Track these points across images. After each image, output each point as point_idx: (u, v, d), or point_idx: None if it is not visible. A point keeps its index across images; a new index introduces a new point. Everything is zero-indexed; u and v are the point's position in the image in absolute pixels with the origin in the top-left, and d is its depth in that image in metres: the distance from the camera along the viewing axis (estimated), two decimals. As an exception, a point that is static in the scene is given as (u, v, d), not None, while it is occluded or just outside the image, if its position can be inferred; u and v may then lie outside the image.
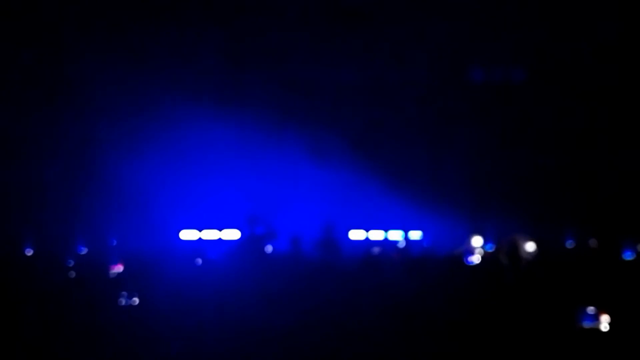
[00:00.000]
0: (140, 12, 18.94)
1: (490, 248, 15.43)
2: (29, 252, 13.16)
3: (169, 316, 9.44)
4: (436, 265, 12.34)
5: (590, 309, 8.92)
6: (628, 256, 12.01)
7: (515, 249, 12.06)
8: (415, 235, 21.91)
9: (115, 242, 15.11)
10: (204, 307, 9.66)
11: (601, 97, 19.71)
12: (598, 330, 9.06)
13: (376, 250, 14.81)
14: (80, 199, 17.55)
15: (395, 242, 20.65)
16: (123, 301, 9.85)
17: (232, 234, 20.74)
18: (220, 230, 21.08)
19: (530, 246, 15.13)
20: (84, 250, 13.05)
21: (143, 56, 19.32)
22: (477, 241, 16.37)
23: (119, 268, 11.20)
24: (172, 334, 8.97)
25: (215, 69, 20.28)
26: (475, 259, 12.16)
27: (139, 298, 10.01)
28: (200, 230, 21.19)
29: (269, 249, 11.97)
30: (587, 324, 8.90)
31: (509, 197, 20.02)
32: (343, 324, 9.30)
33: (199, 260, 12.87)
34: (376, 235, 21.77)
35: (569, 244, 15.91)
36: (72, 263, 11.98)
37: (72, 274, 11.40)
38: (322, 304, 9.72)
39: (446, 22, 19.79)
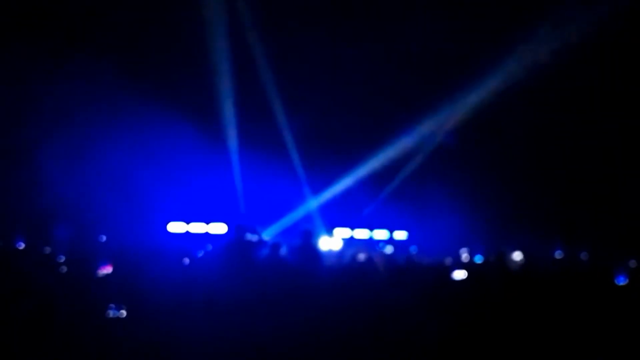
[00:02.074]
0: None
1: (479, 259, 15.48)
2: (20, 246, 13.11)
3: (158, 319, 9.44)
4: (423, 275, 12.34)
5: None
6: (621, 281, 11.81)
7: (503, 261, 12.12)
8: (401, 235, 21.97)
9: (104, 239, 15.04)
10: (193, 309, 9.66)
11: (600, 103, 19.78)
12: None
13: (362, 257, 14.81)
14: (70, 195, 17.49)
15: (381, 245, 20.66)
16: (111, 313, 9.81)
17: (218, 228, 20.74)
18: (207, 223, 21.05)
19: (517, 255, 15.23)
20: (74, 247, 13.00)
21: (130, 62, 19.34)
22: (464, 252, 16.45)
23: (108, 269, 11.12)
24: (162, 335, 8.97)
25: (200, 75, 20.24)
26: (462, 273, 12.18)
27: (128, 302, 9.97)
28: (187, 223, 21.14)
29: (256, 255, 11.97)
30: None
31: (498, 209, 20.12)
32: (327, 329, 9.35)
33: (187, 260, 12.81)
34: (361, 234, 21.80)
35: (558, 254, 16.00)
36: (62, 259, 11.94)
37: (64, 269, 11.34)
38: (309, 310, 9.75)
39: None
